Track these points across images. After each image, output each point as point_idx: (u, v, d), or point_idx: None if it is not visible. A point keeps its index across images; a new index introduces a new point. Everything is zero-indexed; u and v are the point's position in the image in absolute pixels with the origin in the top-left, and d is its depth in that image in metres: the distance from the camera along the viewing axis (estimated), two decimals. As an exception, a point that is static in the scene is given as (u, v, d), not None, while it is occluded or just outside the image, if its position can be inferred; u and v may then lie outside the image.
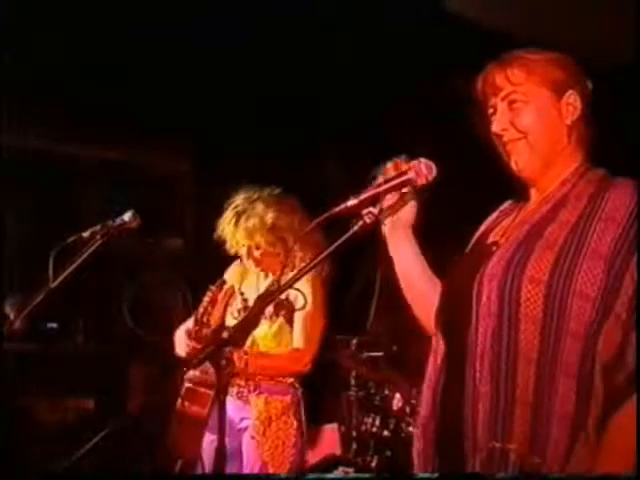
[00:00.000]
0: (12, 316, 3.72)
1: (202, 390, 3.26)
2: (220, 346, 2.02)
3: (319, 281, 3.40)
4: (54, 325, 5.26)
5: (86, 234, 2.93)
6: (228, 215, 3.45)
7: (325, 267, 3.42)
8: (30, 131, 5.16)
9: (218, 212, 3.50)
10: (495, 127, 1.99)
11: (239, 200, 3.46)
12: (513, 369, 1.84)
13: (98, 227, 2.95)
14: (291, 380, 3.46)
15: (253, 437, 3.34)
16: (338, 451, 4.51)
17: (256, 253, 3.45)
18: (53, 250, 2.85)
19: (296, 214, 3.45)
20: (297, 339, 3.39)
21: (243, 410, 3.39)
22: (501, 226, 2.08)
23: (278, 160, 5.04)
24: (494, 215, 2.17)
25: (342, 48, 4.61)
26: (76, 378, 5.06)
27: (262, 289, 3.44)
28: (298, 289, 2.28)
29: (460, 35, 4.17)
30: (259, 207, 3.42)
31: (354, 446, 4.26)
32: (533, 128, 1.97)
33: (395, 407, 4.20)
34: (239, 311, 3.47)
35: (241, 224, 3.41)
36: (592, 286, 1.81)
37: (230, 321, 3.44)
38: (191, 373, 3.25)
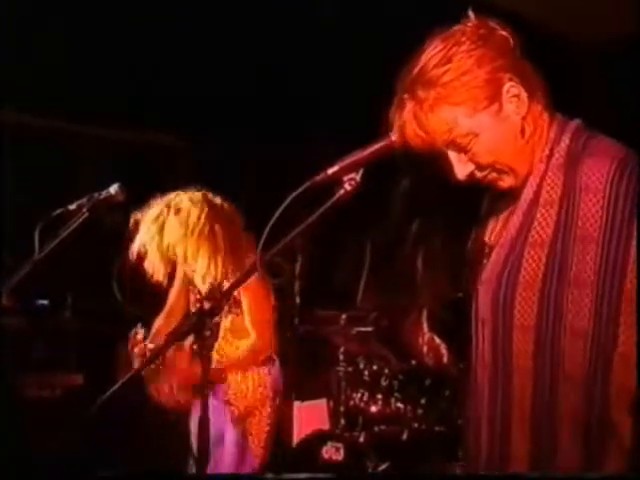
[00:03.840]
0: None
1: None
2: (203, 316, 2.07)
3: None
4: (45, 302, 5.27)
5: (72, 207, 2.90)
6: (148, 230, 3.42)
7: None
8: (27, 109, 5.18)
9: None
10: (459, 175, 1.79)
11: (155, 210, 3.42)
12: (508, 425, 1.77)
13: (84, 200, 2.95)
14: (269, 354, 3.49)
15: (230, 409, 3.40)
16: (327, 426, 4.55)
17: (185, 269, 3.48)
18: (39, 223, 2.86)
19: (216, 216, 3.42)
20: (250, 330, 3.39)
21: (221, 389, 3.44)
22: (492, 228, 1.94)
23: (277, 139, 5.06)
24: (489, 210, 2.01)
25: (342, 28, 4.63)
26: (64, 354, 5.11)
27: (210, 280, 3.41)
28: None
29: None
30: (173, 217, 3.37)
31: (342, 421, 4.30)
32: (497, 157, 1.77)
33: (383, 382, 4.24)
34: (196, 301, 3.51)
35: (165, 237, 3.38)
36: (580, 321, 1.69)
37: (193, 308, 3.50)
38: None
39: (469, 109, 1.71)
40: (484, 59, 1.70)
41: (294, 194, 1.87)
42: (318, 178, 1.88)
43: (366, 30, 4.62)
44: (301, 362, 4.51)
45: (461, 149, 1.77)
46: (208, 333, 2.07)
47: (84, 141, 5.75)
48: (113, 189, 2.98)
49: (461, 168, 1.79)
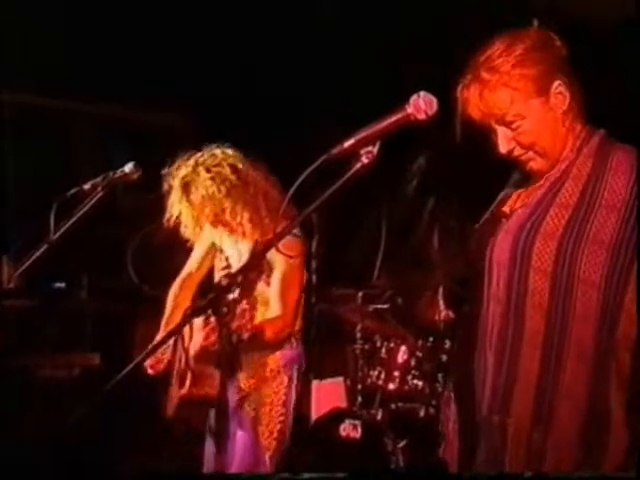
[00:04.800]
0: (6, 274, 3.76)
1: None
2: (220, 293, 2.05)
3: (297, 241, 3.15)
4: (61, 285, 5.30)
5: (87, 186, 2.91)
6: (176, 191, 3.29)
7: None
8: (28, 86, 5.18)
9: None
10: (502, 149, 2.06)
11: (183, 171, 3.30)
12: (517, 352, 1.95)
13: (99, 179, 2.93)
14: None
15: (241, 397, 3.28)
16: (344, 404, 4.53)
17: (220, 229, 3.31)
18: (54, 203, 2.86)
19: (249, 171, 3.30)
20: (274, 305, 3.24)
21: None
22: (512, 200, 2.15)
23: (279, 117, 5.05)
24: (511, 184, 2.21)
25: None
26: (81, 335, 5.13)
27: (241, 244, 3.33)
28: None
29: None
30: (204, 174, 3.25)
31: (359, 399, 4.30)
32: (536, 140, 2.05)
33: (400, 360, 4.23)
34: (223, 269, 3.36)
35: (193, 198, 3.26)
36: (596, 273, 1.91)
37: (217, 278, 3.38)
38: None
39: (522, 95, 2.01)
40: (540, 59, 2.03)
41: (310, 168, 1.89)
42: (334, 151, 1.91)
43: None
44: (318, 341, 4.51)
45: (508, 127, 2.04)
46: (225, 310, 2.06)
47: (88, 120, 5.75)
48: (128, 168, 2.99)
49: (505, 143, 2.06)
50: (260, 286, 3.26)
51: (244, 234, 3.32)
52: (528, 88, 2.01)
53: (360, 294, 4.49)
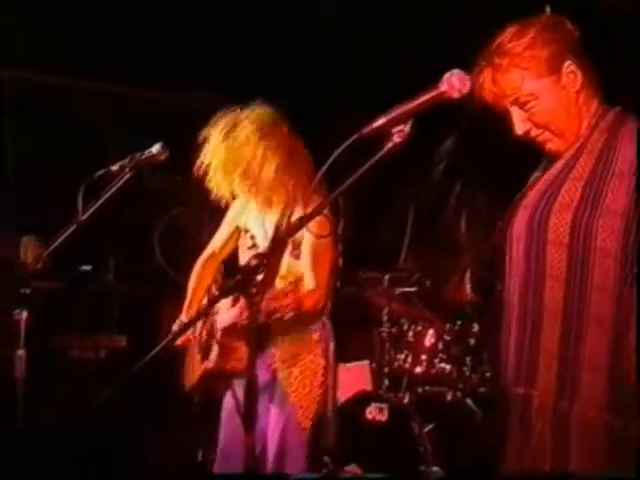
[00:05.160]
0: (29, 256, 3.77)
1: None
2: (249, 274, 2.03)
3: (326, 221, 3.06)
4: (88, 267, 5.32)
5: (115, 167, 2.91)
6: (213, 138, 3.24)
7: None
8: (57, 68, 5.19)
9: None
10: (518, 130, 2.11)
11: (222, 122, 3.25)
12: (539, 323, 2.00)
13: (126, 160, 2.93)
14: (321, 316, 3.32)
15: (275, 376, 3.23)
16: (369, 388, 4.53)
17: (249, 184, 3.24)
18: (82, 184, 2.85)
19: (284, 131, 3.25)
20: (308, 279, 3.17)
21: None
22: (535, 179, 2.20)
23: (310, 98, 5.02)
24: (541, 168, 2.23)
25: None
26: (108, 317, 5.15)
27: (268, 222, 3.30)
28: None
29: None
30: (244, 123, 3.21)
31: (386, 383, 4.29)
32: (551, 119, 2.09)
33: (428, 343, 4.21)
34: (249, 248, 3.33)
35: (229, 143, 3.20)
36: (612, 242, 1.94)
37: (242, 258, 3.35)
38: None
39: (533, 75, 2.06)
40: (551, 40, 2.07)
41: (341, 147, 1.87)
42: (365, 131, 1.88)
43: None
44: (344, 324, 4.50)
45: (523, 107, 2.09)
46: (254, 290, 2.04)
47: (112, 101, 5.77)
48: (155, 148, 2.97)
49: (520, 125, 2.10)
50: (290, 261, 3.21)
51: (269, 202, 3.29)
52: (540, 68, 2.05)
53: (387, 277, 4.44)
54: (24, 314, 2.86)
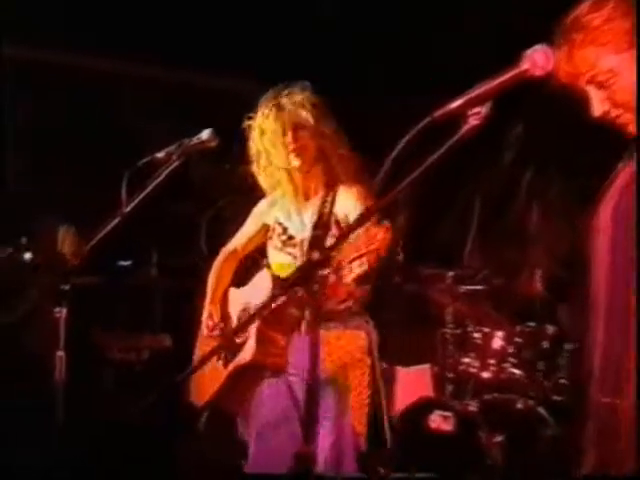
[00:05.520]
0: (66, 248, 3.80)
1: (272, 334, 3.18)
2: (311, 268, 2.02)
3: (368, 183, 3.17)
4: (127, 263, 5.36)
5: (160, 154, 2.93)
6: (264, 107, 3.33)
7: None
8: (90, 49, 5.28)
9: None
10: (596, 111, 2.07)
11: (271, 92, 3.35)
12: (627, 322, 1.94)
13: (173, 147, 2.94)
14: (364, 315, 3.34)
15: (325, 381, 3.17)
16: (430, 394, 4.50)
17: (297, 150, 3.29)
18: (126, 173, 2.84)
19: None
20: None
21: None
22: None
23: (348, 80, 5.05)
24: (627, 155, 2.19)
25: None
26: (150, 315, 5.20)
27: (306, 214, 3.33)
28: None
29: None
30: (298, 91, 3.31)
31: (449, 388, 4.27)
32: (630, 97, 2.04)
33: (496, 346, 4.18)
34: (284, 243, 3.37)
35: (285, 103, 3.29)
36: None
37: (274, 254, 3.38)
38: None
39: (611, 50, 2.02)
40: (629, 13, 2.02)
41: (414, 130, 1.87)
42: (438, 113, 1.86)
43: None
44: (404, 323, 4.48)
45: (601, 86, 2.05)
46: (316, 287, 2.05)
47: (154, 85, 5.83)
48: (205, 134, 2.97)
49: (598, 105, 2.06)
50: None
51: (307, 192, 3.33)
52: (619, 42, 2.02)
53: (451, 274, 4.44)
54: (64, 312, 2.84)
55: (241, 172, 3.47)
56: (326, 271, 2.04)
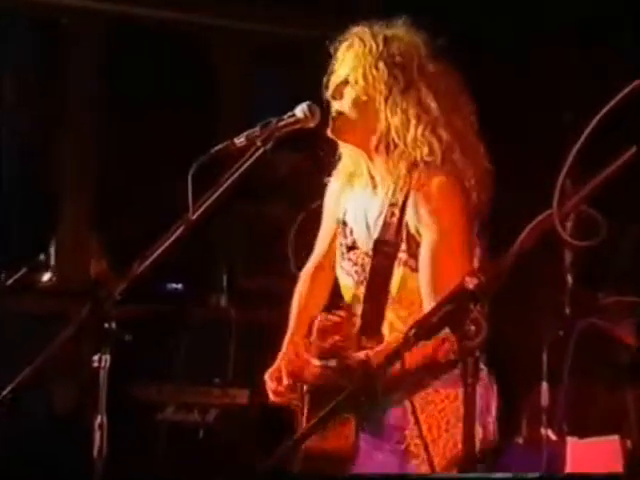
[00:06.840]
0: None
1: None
2: (464, 302, 1.97)
3: (458, 197, 3.06)
4: (178, 286, 5.41)
5: (239, 140, 2.91)
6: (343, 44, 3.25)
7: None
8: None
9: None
10: None
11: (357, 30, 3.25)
12: None
13: (256, 130, 2.93)
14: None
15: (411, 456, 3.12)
16: (619, 469, 4.36)
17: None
18: (192, 166, 2.82)
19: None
20: (427, 301, 3.07)
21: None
22: None
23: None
24: None
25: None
26: (218, 358, 5.18)
27: (370, 214, 3.23)
28: None
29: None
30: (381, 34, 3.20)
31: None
32: None
33: None
34: (348, 249, 3.29)
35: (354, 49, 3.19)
36: None
37: (343, 263, 3.32)
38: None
39: None
40: None
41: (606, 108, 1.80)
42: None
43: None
44: (577, 375, 4.39)
45: None
46: (472, 328, 2.01)
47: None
48: (300, 111, 2.97)
49: None
50: (404, 274, 3.16)
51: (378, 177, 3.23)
52: None
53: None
54: (106, 360, 2.84)
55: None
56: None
